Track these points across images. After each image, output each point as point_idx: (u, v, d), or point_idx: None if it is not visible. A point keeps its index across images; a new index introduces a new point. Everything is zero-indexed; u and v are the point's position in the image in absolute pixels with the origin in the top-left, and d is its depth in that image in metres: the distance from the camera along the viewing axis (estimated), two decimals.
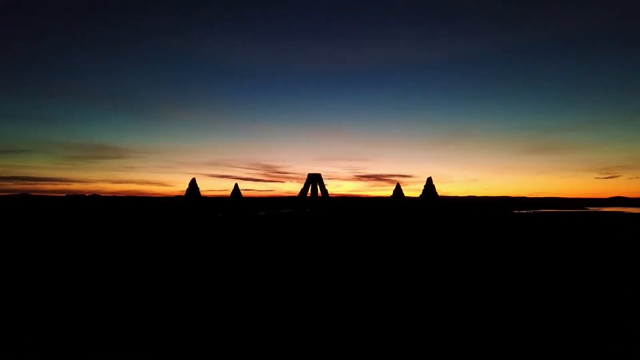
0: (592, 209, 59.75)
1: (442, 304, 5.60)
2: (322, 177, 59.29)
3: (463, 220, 25.37)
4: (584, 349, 4.03)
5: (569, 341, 4.25)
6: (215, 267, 8.33)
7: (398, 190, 64.46)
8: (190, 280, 7.05)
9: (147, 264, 8.66)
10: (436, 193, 62.08)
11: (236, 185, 68.11)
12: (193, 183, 63.36)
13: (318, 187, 58.33)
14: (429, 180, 62.33)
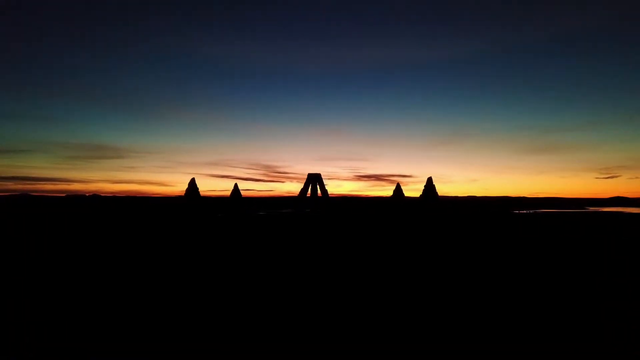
0: (592, 209, 59.75)
1: (442, 304, 5.60)
2: (322, 177, 59.27)
3: (463, 221, 25.37)
4: (584, 349, 4.03)
5: (569, 341, 4.25)
6: (215, 267, 8.33)
7: (398, 190, 64.45)
8: (190, 280, 7.05)
9: (146, 264, 8.66)
10: (436, 193, 62.07)
11: (236, 185, 68.12)
12: (192, 183, 63.36)
13: (318, 187, 58.32)
14: (429, 180, 62.32)
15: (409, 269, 8.23)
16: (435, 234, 16.04)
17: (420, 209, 46.21)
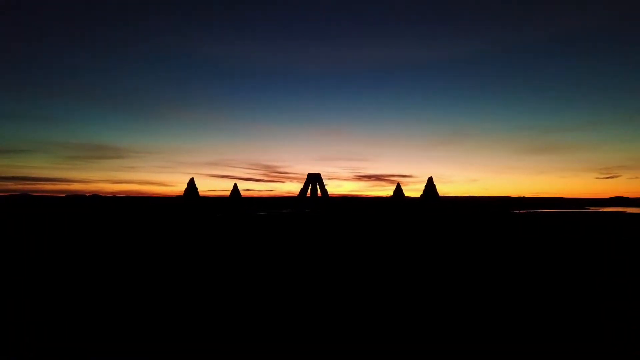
0: (592, 209, 59.74)
1: (442, 304, 5.60)
2: (322, 177, 59.26)
3: (463, 221, 25.37)
4: (584, 349, 4.03)
5: (569, 341, 4.25)
6: (215, 267, 8.33)
7: (398, 190, 64.42)
8: (189, 280, 7.05)
9: (146, 264, 8.66)
10: (437, 193, 62.05)
11: (235, 185, 68.13)
12: (192, 183, 63.36)
13: (318, 187, 58.30)
14: (430, 180, 62.31)
15: (409, 269, 8.23)
16: (436, 234, 16.04)
17: (421, 209, 46.21)
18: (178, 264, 8.68)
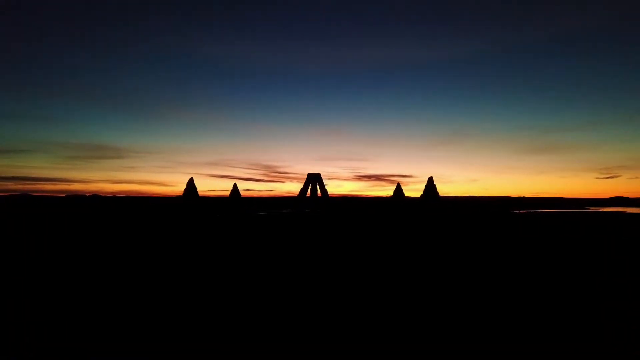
0: (592, 209, 59.75)
1: (442, 304, 5.60)
2: (322, 177, 59.24)
3: (463, 221, 25.37)
4: (584, 349, 4.03)
5: (569, 341, 4.25)
6: (215, 267, 8.33)
7: (399, 190, 64.41)
8: (189, 280, 7.05)
9: (146, 264, 8.66)
10: (437, 193, 62.04)
11: (235, 185, 68.05)
12: (191, 183, 63.31)
13: (318, 187, 58.28)
14: (430, 180, 62.26)
15: (409, 269, 8.23)
16: (436, 234, 16.04)
17: (421, 209, 46.22)
18: (177, 264, 8.68)
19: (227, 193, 67.95)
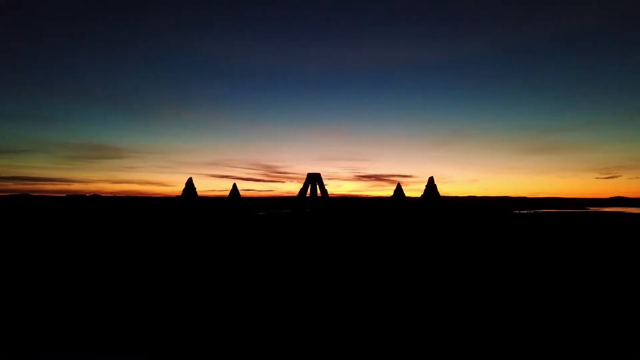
0: (592, 209, 59.75)
1: (442, 304, 5.60)
2: (322, 177, 59.23)
3: (463, 221, 25.37)
4: (584, 349, 4.03)
5: (569, 341, 4.25)
6: (214, 267, 8.33)
7: (399, 190, 64.41)
8: (189, 280, 7.05)
9: (146, 264, 8.66)
10: (438, 193, 62.02)
11: (234, 185, 67.98)
12: (190, 183, 63.24)
13: (318, 187, 58.29)
14: (431, 179, 62.21)
15: (409, 269, 8.23)
16: (436, 234, 16.04)
17: (422, 209, 46.21)
18: (176, 264, 8.68)
19: (227, 193, 67.93)
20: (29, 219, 23.46)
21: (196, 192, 63.46)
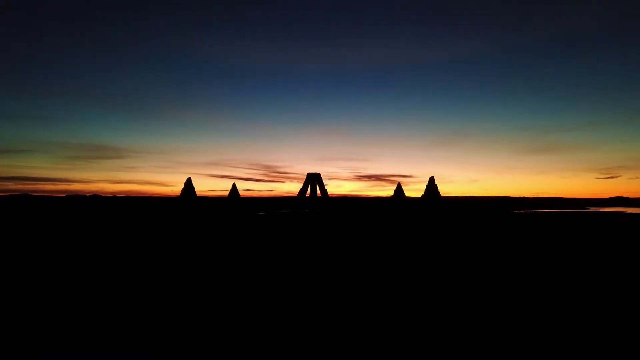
0: (592, 209, 59.75)
1: (442, 304, 5.60)
2: (322, 177, 59.22)
3: (464, 221, 25.37)
4: (584, 349, 4.03)
5: (569, 341, 4.25)
6: (214, 267, 8.33)
7: (399, 190, 64.37)
8: (189, 280, 7.05)
9: (146, 264, 8.66)
10: (438, 193, 61.99)
11: (234, 185, 67.97)
12: (189, 182, 63.19)
13: (317, 187, 58.27)
14: (431, 179, 62.17)
15: (409, 269, 8.23)
16: (437, 234, 16.04)
17: (423, 209, 46.21)
18: (176, 264, 8.68)
19: (227, 193, 67.94)
20: (29, 219, 23.46)
21: (195, 192, 63.42)
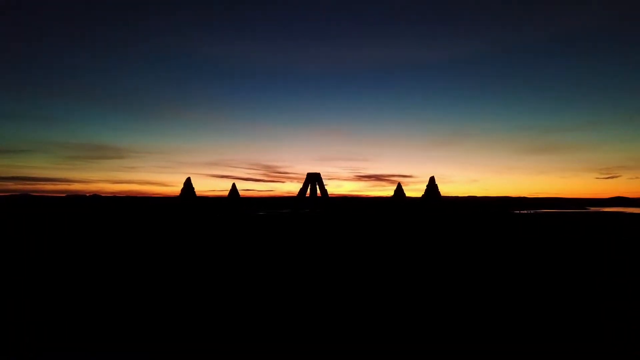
0: (592, 209, 59.74)
1: (442, 304, 5.60)
2: (322, 177, 59.21)
3: (464, 221, 25.37)
4: (584, 349, 4.03)
5: (569, 341, 4.24)
6: (214, 267, 8.33)
7: (399, 190, 64.36)
8: (189, 280, 7.05)
9: (145, 264, 8.66)
10: (439, 193, 61.98)
11: (234, 185, 67.95)
12: (188, 182, 63.17)
13: (317, 187, 58.26)
14: (432, 179, 62.15)
15: (409, 269, 8.23)
16: (437, 234, 16.04)
17: (423, 209, 46.20)
18: (176, 264, 8.68)
19: (227, 193, 67.92)
20: (29, 219, 23.46)
21: (194, 192, 63.42)
